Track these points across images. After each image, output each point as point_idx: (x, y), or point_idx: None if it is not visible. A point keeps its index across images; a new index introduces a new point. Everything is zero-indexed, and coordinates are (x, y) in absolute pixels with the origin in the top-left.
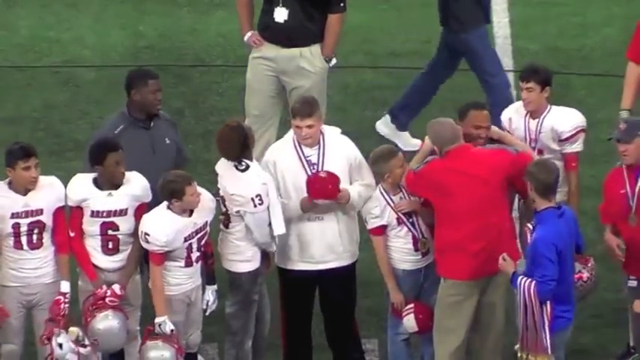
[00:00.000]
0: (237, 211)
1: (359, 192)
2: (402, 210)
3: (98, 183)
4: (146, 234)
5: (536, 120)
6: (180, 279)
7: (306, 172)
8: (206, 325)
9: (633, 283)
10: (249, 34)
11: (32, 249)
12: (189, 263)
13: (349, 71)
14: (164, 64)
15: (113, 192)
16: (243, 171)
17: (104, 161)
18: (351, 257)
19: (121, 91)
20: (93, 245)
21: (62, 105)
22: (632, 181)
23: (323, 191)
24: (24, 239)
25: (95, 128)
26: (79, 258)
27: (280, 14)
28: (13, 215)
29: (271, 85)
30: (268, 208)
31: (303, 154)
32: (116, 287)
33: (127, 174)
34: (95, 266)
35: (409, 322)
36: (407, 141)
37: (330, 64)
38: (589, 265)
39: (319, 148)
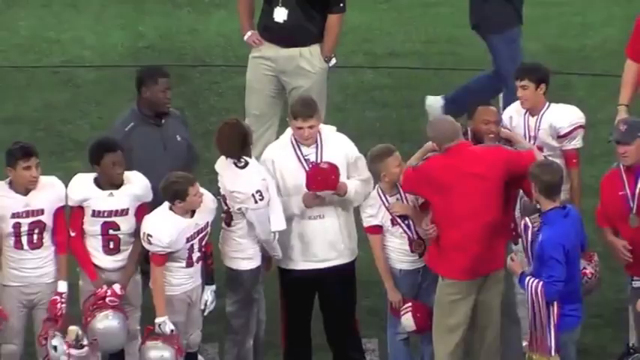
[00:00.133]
0: (239, 209)
1: (356, 186)
2: (395, 213)
3: (99, 183)
4: (149, 235)
5: (535, 117)
6: (182, 279)
7: (306, 171)
8: (206, 324)
9: (638, 284)
10: (249, 33)
11: (33, 249)
12: (190, 263)
13: (349, 71)
14: (164, 64)
15: (114, 192)
16: (242, 168)
17: (101, 161)
18: (352, 255)
19: (121, 91)
20: (94, 245)
21: (62, 105)
22: (631, 182)
23: (324, 182)
24: (24, 239)
25: (95, 128)
26: (80, 258)
27: (280, 14)
28: (14, 215)
29: (271, 85)
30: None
31: (302, 154)
32: (116, 287)
33: (128, 173)
34: (96, 266)
35: (407, 321)
36: None
37: (330, 64)
38: (593, 261)
39: (317, 147)
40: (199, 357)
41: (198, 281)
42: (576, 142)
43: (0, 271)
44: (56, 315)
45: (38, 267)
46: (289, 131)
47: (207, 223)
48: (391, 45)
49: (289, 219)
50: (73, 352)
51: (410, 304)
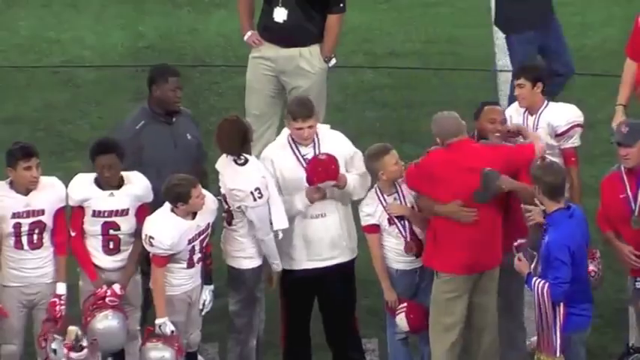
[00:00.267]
0: (239, 207)
1: (354, 180)
2: (392, 213)
3: (99, 183)
4: (150, 237)
5: (534, 116)
6: (182, 279)
7: (305, 170)
8: (206, 324)
9: None
10: (248, 33)
11: (33, 249)
12: (191, 264)
13: (349, 71)
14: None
15: (115, 192)
16: (242, 165)
17: (94, 162)
18: (353, 252)
19: (121, 91)
20: (94, 245)
21: (62, 105)
22: (632, 184)
23: (325, 172)
24: (24, 239)
25: (95, 128)
26: (80, 258)
27: (280, 14)
28: (14, 215)
29: (271, 85)
30: (269, 202)
31: (300, 153)
32: (116, 287)
33: (129, 174)
34: (96, 266)
35: (401, 321)
36: None
37: (330, 64)
38: (596, 258)
39: (314, 146)
40: (199, 357)
41: (198, 281)
42: (574, 141)
43: (0, 272)
44: (55, 317)
45: (38, 267)
46: (286, 131)
47: (209, 224)
48: (391, 45)
49: (292, 219)
50: (73, 355)
51: (405, 304)
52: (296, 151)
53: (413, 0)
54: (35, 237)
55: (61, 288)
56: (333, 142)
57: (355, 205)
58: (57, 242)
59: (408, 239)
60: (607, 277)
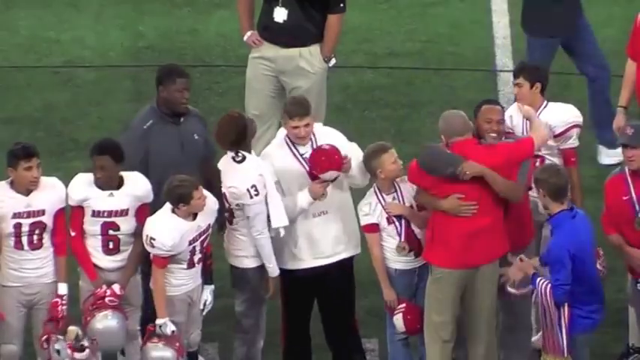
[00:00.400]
0: (237, 205)
1: (356, 164)
2: (391, 213)
3: (99, 183)
4: (152, 238)
5: None
6: (183, 280)
7: (305, 169)
8: (206, 324)
9: None
10: (248, 34)
11: (33, 249)
12: (191, 265)
13: (349, 71)
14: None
15: (114, 192)
16: (239, 162)
17: (92, 162)
18: (356, 247)
19: (121, 91)
20: (94, 245)
21: (62, 105)
22: (637, 186)
23: (329, 161)
24: (25, 239)
25: (95, 128)
26: (80, 258)
27: (280, 14)
28: (15, 215)
29: (271, 85)
30: (267, 200)
31: (299, 153)
32: (116, 287)
33: (128, 174)
34: (96, 266)
35: (397, 322)
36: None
37: (330, 64)
38: (600, 256)
39: (312, 145)
40: (199, 357)
41: (199, 281)
42: (572, 142)
43: None
44: (57, 317)
45: (38, 267)
46: (283, 131)
47: (209, 225)
48: (391, 45)
49: (295, 219)
50: (77, 355)
51: (404, 305)
52: (294, 151)
53: (413, 0)
54: (35, 237)
55: (63, 288)
56: (330, 139)
57: (355, 205)
58: (57, 242)
59: (403, 239)
60: (607, 277)
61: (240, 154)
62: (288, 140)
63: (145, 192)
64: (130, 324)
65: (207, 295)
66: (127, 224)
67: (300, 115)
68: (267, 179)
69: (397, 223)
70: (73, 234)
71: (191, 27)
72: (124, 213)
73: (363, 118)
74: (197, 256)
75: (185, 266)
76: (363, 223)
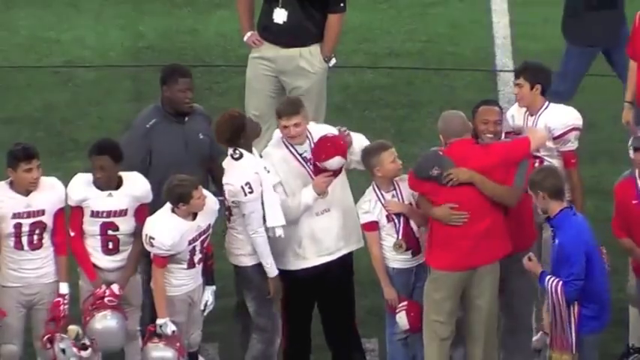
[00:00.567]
0: (233, 202)
1: (357, 140)
2: (390, 210)
3: (98, 183)
4: (151, 238)
5: (534, 117)
6: (183, 280)
7: (305, 168)
8: (206, 324)
9: None
10: (248, 34)
11: (33, 249)
12: (191, 265)
13: (349, 71)
14: (164, 64)
15: (113, 192)
16: (236, 159)
17: (91, 162)
18: (358, 242)
19: (121, 91)
20: (93, 245)
21: (62, 105)
22: None
23: (334, 147)
24: (25, 239)
25: (95, 128)
26: (79, 258)
27: (279, 15)
28: (15, 215)
29: (271, 85)
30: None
31: (297, 152)
32: (115, 287)
33: (128, 174)
34: (95, 266)
35: (400, 319)
36: None
37: (330, 64)
38: (603, 254)
39: (310, 144)
40: (199, 357)
41: (199, 281)
42: (571, 145)
43: None
44: (59, 317)
45: (38, 267)
46: (278, 132)
47: (209, 225)
48: (391, 45)
49: (299, 219)
50: (84, 353)
51: (405, 302)
52: (293, 151)
53: (413, 0)
54: (35, 237)
55: (64, 288)
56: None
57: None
58: (57, 242)
59: (400, 237)
60: (609, 277)
61: (237, 152)
62: (285, 141)
63: (143, 192)
64: (129, 324)
65: (209, 295)
66: (126, 224)
67: (288, 115)
68: (264, 178)
69: (396, 221)
70: (72, 234)
71: (191, 27)
72: (122, 213)
73: (363, 118)
74: (197, 257)
75: (185, 266)
76: (362, 221)
